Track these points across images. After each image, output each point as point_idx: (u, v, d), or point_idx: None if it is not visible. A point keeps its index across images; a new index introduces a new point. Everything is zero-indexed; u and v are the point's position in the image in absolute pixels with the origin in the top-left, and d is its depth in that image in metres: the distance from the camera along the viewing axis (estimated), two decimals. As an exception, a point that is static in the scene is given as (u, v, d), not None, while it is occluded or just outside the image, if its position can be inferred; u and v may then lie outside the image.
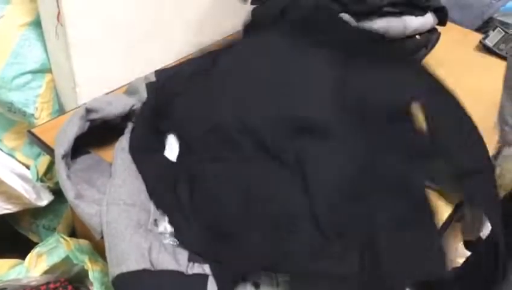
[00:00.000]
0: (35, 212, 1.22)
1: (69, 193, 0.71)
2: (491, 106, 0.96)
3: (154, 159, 0.80)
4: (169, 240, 0.70)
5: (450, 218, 0.83)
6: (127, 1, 0.96)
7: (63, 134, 0.76)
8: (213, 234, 0.70)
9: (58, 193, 1.12)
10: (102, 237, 0.70)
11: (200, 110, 0.90)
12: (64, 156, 0.75)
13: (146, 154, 0.80)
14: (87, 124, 0.80)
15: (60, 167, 0.73)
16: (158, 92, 0.91)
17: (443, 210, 0.83)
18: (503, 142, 0.88)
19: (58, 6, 0.87)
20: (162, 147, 0.84)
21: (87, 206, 0.71)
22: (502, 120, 0.88)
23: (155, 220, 0.72)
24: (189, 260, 0.67)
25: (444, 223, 0.81)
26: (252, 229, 0.71)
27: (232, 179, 0.78)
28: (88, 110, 0.80)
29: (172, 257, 0.67)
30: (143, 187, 0.75)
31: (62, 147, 0.74)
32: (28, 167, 1.11)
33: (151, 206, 0.73)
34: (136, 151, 0.80)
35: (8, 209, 1.15)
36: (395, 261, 0.67)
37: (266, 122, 0.85)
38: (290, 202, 0.76)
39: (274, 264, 0.68)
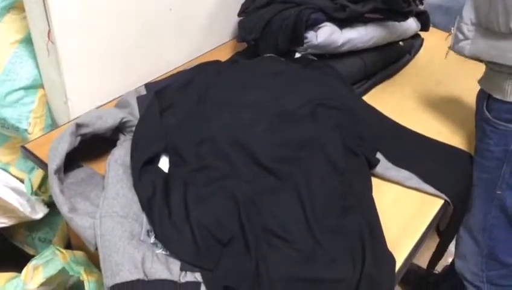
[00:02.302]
0: (31, 225, 1.23)
1: (63, 207, 0.73)
2: (472, 109, 0.99)
3: (150, 171, 0.83)
4: (162, 250, 0.72)
5: (434, 221, 0.86)
6: (116, 17, 0.98)
7: (54, 150, 0.77)
8: (205, 242, 0.72)
9: (53, 206, 1.13)
10: (96, 249, 0.72)
11: (191, 123, 0.92)
12: (56, 171, 0.76)
13: (142, 169, 0.81)
14: (78, 138, 0.82)
15: (53, 182, 0.75)
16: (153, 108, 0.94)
17: (427, 214, 0.86)
18: (452, 48, 0.89)
19: (48, 24, 0.89)
20: (157, 160, 0.86)
21: (81, 220, 0.73)
22: (457, 27, 0.87)
23: (147, 231, 0.74)
24: (182, 269, 0.69)
25: (429, 226, 0.84)
26: (244, 237, 0.74)
27: (224, 188, 0.81)
28: (78, 125, 0.82)
29: (165, 267, 0.69)
30: (135, 199, 0.77)
31: (54, 162, 0.76)
32: (22, 181, 1.12)
33: (144, 218, 0.75)
34: (136, 166, 0.82)
35: (3, 223, 1.16)
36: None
37: (256, 136, 0.88)
38: (284, 211, 0.79)
39: (267, 270, 0.70)
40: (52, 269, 0.95)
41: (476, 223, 0.91)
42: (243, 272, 0.70)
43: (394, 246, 0.77)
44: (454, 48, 0.89)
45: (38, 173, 1.11)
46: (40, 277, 0.95)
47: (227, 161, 0.85)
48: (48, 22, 0.89)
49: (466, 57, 0.88)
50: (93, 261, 0.97)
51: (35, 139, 0.97)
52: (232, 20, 1.27)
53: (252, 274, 0.69)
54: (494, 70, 0.85)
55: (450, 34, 0.90)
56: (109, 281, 0.66)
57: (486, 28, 0.82)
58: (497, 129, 0.85)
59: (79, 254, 0.98)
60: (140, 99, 0.97)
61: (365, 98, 1.11)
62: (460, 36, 0.87)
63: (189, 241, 0.72)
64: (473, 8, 0.84)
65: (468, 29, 0.85)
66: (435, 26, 1.39)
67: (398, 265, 0.75)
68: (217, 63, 1.12)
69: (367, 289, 0.69)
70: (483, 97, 0.89)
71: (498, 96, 0.84)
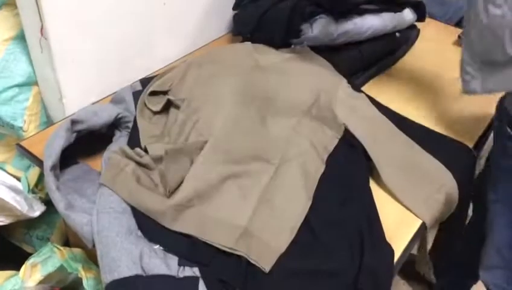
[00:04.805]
0: (28, 224, 1.22)
1: (59, 204, 0.73)
2: (470, 100, 0.99)
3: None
4: (159, 245, 0.71)
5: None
6: (110, 12, 0.97)
7: (50, 147, 0.77)
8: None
9: (50, 203, 1.12)
10: (94, 246, 0.71)
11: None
12: (52, 168, 0.76)
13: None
14: (74, 135, 0.81)
15: (49, 179, 0.74)
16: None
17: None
18: (464, 92, 0.86)
19: (41, 20, 0.88)
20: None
21: (78, 216, 0.73)
22: (462, 70, 0.85)
23: (145, 227, 0.73)
24: (180, 264, 0.69)
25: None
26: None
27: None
28: (74, 122, 0.81)
29: (163, 262, 0.68)
30: (132, 194, 0.77)
31: (50, 159, 0.75)
32: (18, 179, 1.12)
33: (141, 213, 0.75)
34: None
35: (1, 221, 1.15)
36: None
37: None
38: None
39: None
40: (50, 267, 0.95)
41: (502, 240, 0.90)
42: (237, 266, 0.69)
43: (392, 238, 0.77)
44: (466, 90, 0.85)
45: (34, 171, 1.10)
46: (39, 274, 0.95)
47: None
48: (41, 18, 0.88)
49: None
50: (91, 258, 0.97)
51: (31, 136, 0.97)
52: (227, 13, 1.26)
53: (245, 267, 0.69)
54: None
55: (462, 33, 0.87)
56: (107, 278, 0.66)
57: (489, 62, 0.79)
58: None
59: (77, 251, 0.98)
60: (135, 95, 0.97)
61: (362, 89, 1.11)
62: (468, 77, 0.83)
63: (184, 237, 0.72)
64: (468, 46, 0.82)
65: (473, 68, 0.82)
66: (431, 16, 1.39)
67: (396, 256, 0.75)
68: (210, 53, 1.10)
69: (366, 281, 0.69)
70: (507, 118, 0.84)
71: None
